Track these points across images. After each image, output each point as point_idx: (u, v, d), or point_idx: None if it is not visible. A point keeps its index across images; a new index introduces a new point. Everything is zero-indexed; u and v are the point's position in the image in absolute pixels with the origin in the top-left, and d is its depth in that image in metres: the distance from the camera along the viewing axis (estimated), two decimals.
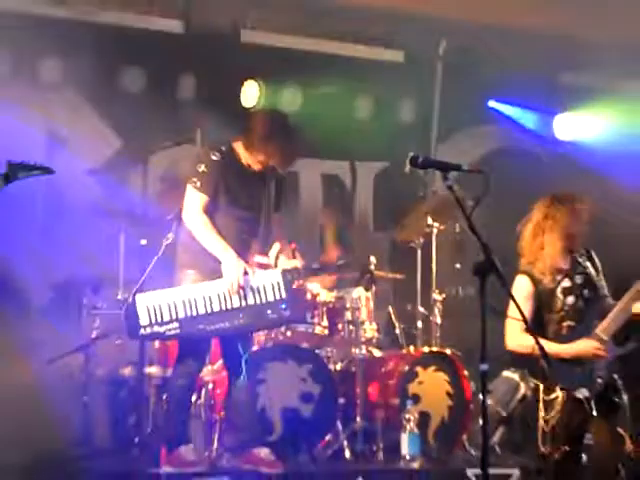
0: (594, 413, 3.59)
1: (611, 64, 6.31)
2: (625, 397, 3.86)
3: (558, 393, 3.59)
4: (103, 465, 4.53)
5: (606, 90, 6.37)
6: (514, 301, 2.79)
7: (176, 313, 3.79)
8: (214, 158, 3.85)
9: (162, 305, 3.78)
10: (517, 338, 3.68)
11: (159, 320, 3.79)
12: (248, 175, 4.00)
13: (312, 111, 5.93)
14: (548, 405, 3.62)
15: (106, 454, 4.82)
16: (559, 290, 3.82)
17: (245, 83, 5.82)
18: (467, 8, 5.52)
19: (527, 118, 6.82)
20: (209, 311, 3.79)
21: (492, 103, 6.59)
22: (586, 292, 3.82)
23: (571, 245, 3.80)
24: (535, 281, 3.78)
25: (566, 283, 3.82)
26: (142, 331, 3.79)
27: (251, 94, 5.79)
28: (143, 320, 3.75)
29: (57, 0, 5.66)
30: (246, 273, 3.88)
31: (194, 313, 3.78)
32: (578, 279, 3.81)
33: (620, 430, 3.83)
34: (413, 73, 6.22)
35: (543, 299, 3.76)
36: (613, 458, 3.82)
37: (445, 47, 6.10)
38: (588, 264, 3.88)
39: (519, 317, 2.94)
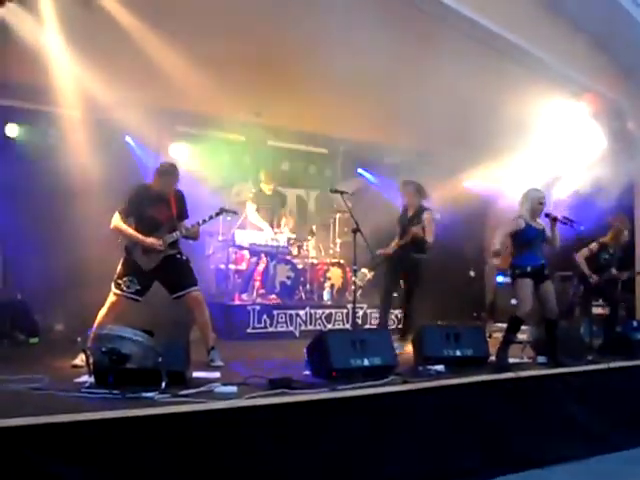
0: None
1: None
2: None
3: None
4: None
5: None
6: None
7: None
8: None
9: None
10: None
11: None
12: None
13: (298, 170, 10.52)
14: None
15: None
16: None
17: None
18: (348, 130, 9.68)
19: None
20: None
21: (360, 170, 11.03)
22: None
23: None
24: None
25: None
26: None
27: None
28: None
29: None
30: None
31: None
32: None
33: None
34: (331, 157, 10.68)
35: None
36: None
37: (342, 148, 10.46)
38: None
39: None
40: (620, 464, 5.41)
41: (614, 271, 7.47)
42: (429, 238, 6.82)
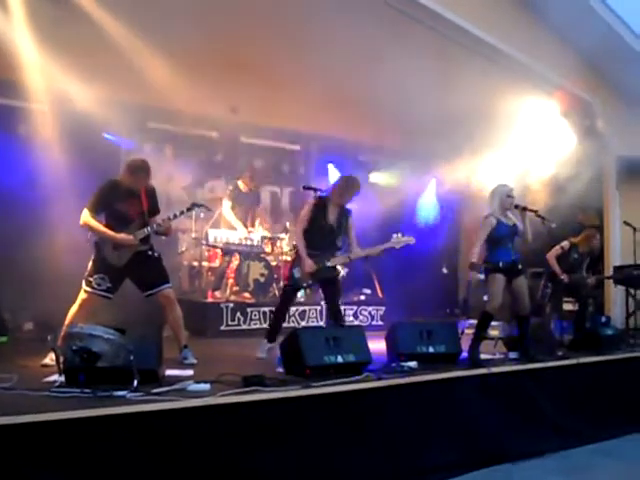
0: None
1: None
2: None
3: None
4: None
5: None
6: None
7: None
8: None
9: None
10: None
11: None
12: None
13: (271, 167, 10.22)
14: None
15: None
16: None
17: None
18: (322, 127, 9.78)
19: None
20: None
21: (330, 166, 10.68)
22: None
23: None
24: None
25: None
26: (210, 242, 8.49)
27: None
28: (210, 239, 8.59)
29: None
30: None
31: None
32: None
33: None
34: (304, 154, 10.69)
35: None
36: None
37: (316, 145, 10.43)
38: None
39: None
40: (589, 457, 5.49)
41: (584, 273, 7.50)
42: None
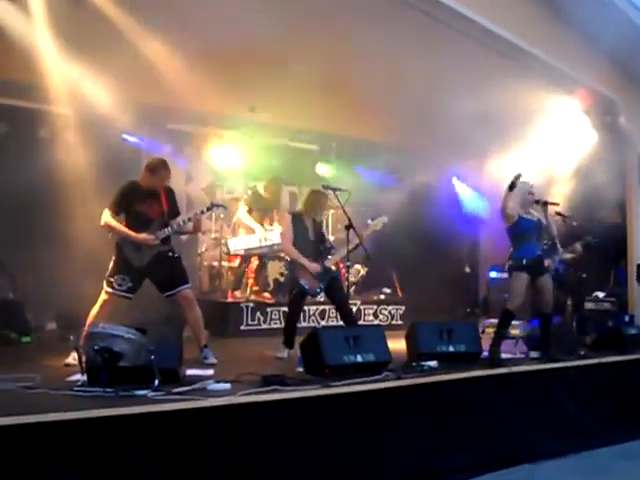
0: None
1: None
2: None
3: None
4: None
5: None
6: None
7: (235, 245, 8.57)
8: None
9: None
10: None
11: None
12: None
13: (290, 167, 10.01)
14: None
15: None
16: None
17: None
18: (343, 127, 9.68)
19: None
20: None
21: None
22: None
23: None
24: None
25: None
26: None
27: None
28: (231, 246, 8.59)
29: None
30: None
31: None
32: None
33: None
34: (323, 154, 10.56)
35: None
36: None
37: (334, 144, 10.43)
38: None
39: None
40: (610, 458, 5.45)
41: (561, 251, 7.16)
42: None
